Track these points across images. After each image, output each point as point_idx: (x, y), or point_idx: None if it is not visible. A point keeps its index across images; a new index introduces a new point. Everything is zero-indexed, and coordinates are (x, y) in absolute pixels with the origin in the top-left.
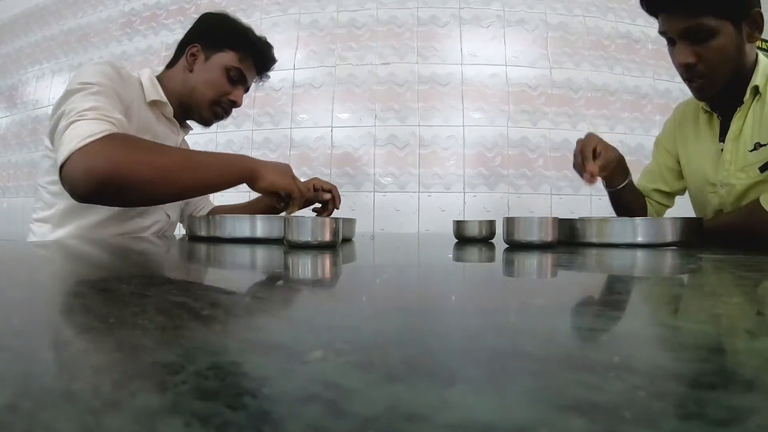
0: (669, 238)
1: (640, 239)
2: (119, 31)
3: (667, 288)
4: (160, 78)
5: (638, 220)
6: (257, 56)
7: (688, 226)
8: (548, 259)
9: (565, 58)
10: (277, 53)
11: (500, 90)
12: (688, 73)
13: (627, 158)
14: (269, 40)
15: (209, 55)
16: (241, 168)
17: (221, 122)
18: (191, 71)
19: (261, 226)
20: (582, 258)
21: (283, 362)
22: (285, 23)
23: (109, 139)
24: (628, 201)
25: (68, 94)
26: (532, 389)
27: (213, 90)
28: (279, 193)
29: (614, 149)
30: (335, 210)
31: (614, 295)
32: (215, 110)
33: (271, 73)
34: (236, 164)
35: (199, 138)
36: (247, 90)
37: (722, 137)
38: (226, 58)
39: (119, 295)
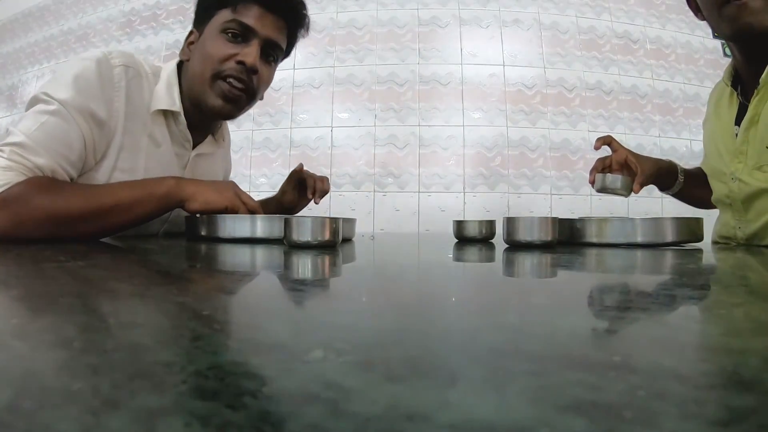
0: (669, 238)
1: (639, 239)
2: (119, 31)
3: (667, 287)
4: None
5: (638, 220)
6: None
7: (688, 226)
8: (548, 259)
9: (559, 57)
10: None
11: (499, 90)
12: None
13: None
14: None
15: (202, 30)
16: (161, 196)
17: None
18: (189, 60)
19: (261, 226)
20: (582, 258)
21: (283, 362)
22: None
23: (4, 201)
24: (691, 193)
25: (31, 103)
26: (532, 389)
27: (209, 60)
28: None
29: (647, 165)
30: (325, 193)
31: (614, 295)
32: (221, 89)
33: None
34: (155, 194)
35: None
36: (270, 45)
37: (739, 121)
38: (218, 19)
39: (118, 296)
